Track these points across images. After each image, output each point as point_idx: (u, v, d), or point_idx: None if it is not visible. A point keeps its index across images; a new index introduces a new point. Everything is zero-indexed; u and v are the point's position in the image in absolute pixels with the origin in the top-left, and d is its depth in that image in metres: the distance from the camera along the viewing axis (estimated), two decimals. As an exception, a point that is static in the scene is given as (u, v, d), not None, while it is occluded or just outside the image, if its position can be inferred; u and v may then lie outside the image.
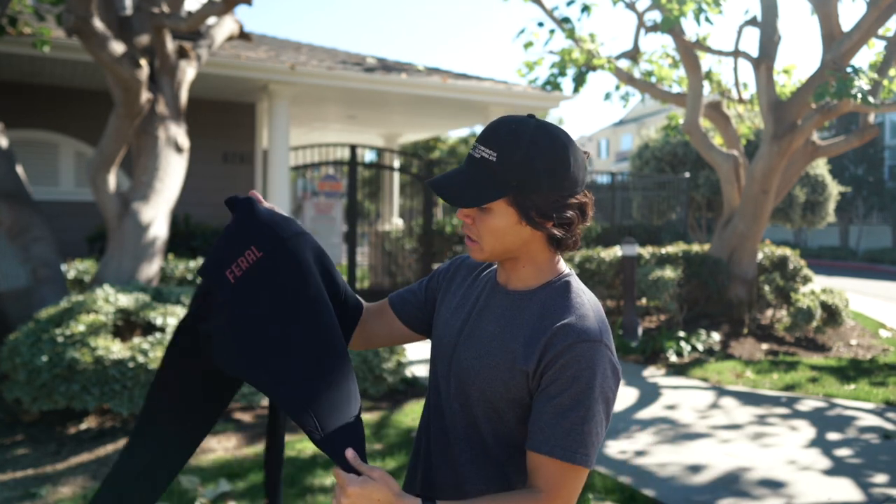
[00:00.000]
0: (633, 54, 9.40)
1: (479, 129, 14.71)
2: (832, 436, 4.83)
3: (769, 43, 8.38)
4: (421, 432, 1.38)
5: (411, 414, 5.06)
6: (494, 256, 1.26)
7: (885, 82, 7.87)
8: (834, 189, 16.29)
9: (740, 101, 9.81)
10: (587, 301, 1.25)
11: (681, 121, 10.33)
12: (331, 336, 1.28)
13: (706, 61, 10.02)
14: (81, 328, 4.45)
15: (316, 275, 1.32)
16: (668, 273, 7.81)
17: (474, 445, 1.26)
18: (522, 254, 1.26)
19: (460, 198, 1.21)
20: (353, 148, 10.33)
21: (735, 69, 9.53)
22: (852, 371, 6.77)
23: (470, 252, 1.29)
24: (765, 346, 7.74)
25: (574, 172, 1.20)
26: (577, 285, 1.28)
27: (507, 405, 1.22)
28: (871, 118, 8.58)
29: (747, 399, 5.79)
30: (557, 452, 1.14)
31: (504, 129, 1.20)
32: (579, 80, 9.09)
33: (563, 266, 1.29)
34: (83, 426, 4.57)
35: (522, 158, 1.17)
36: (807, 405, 5.64)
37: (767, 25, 8.43)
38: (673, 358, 7.12)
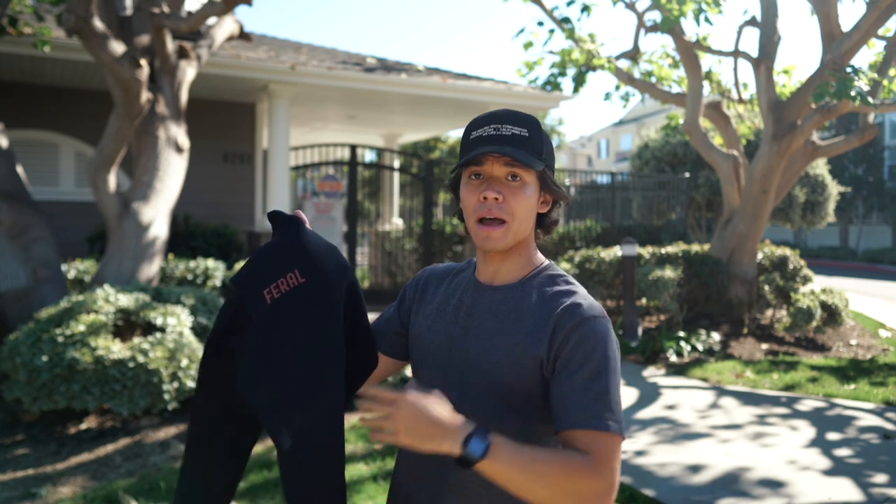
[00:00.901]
0: (633, 54, 9.40)
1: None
2: (832, 436, 4.83)
3: (769, 43, 8.38)
4: (404, 458, 1.34)
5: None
6: (513, 242, 1.26)
7: (885, 82, 7.87)
8: (834, 189, 16.29)
9: (740, 101, 9.82)
10: (577, 283, 1.30)
11: (681, 121, 10.33)
12: (337, 386, 1.23)
13: (706, 61, 10.03)
14: (81, 328, 4.45)
15: (341, 319, 1.27)
16: (668, 273, 7.81)
17: None
18: (522, 241, 1.29)
19: (526, 160, 1.21)
20: (353, 148, 10.33)
21: (735, 69, 9.53)
22: (852, 371, 6.77)
23: (488, 239, 1.24)
24: (765, 346, 7.74)
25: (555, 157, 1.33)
26: (561, 270, 1.33)
27: (517, 399, 1.22)
28: (871, 118, 8.58)
29: (747, 399, 5.79)
30: (592, 423, 1.13)
31: (517, 113, 1.27)
32: (579, 81, 9.10)
33: (543, 257, 1.35)
34: (83, 426, 4.57)
35: (545, 137, 1.27)
36: (807, 405, 5.64)
37: (767, 25, 8.43)
38: (673, 358, 7.13)
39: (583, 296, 1.25)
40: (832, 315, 8.10)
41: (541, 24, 9.09)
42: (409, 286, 1.44)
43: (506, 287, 1.29)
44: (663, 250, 8.72)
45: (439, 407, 1.10)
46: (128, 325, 4.85)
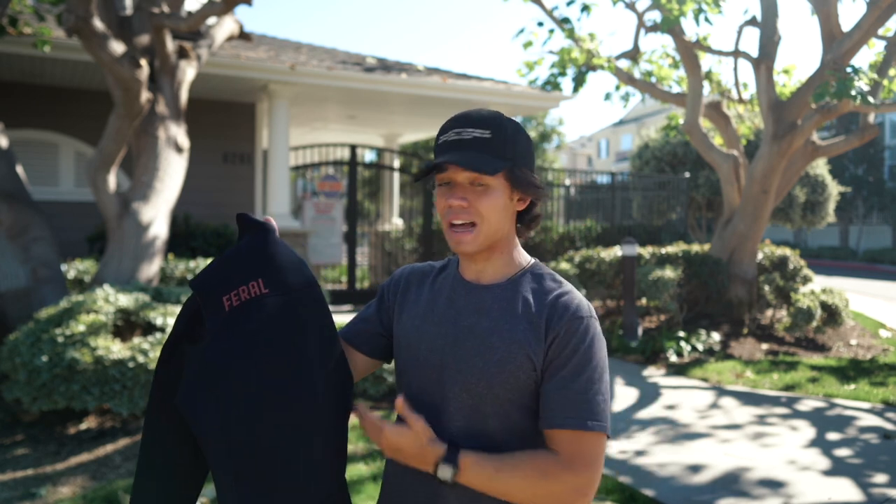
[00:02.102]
0: (633, 54, 9.40)
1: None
2: (832, 436, 4.83)
3: (769, 43, 8.38)
4: (394, 466, 1.33)
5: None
6: (486, 243, 1.26)
7: (885, 82, 7.87)
8: (834, 189, 16.28)
9: (740, 101, 9.81)
10: (565, 281, 1.30)
11: (681, 121, 10.33)
12: (305, 406, 1.17)
13: (706, 61, 10.03)
14: (81, 328, 4.45)
15: (313, 336, 1.21)
16: (668, 273, 7.81)
17: (482, 445, 1.23)
18: (500, 240, 1.28)
19: (480, 166, 1.19)
20: (353, 148, 10.33)
21: (735, 69, 9.53)
22: (852, 371, 6.77)
23: (460, 244, 1.25)
24: (765, 346, 7.74)
25: (534, 152, 1.30)
26: (548, 268, 1.34)
27: (515, 395, 1.22)
28: (871, 118, 8.58)
29: (747, 399, 5.79)
30: (571, 423, 1.17)
31: (482, 113, 1.26)
32: (579, 80, 9.10)
33: (528, 256, 1.35)
34: (83, 426, 4.57)
35: (512, 133, 1.25)
36: (807, 405, 5.63)
37: (767, 25, 8.43)
38: (673, 358, 7.12)
39: (573, 295, 1.26)
40: (832, 315, 8.10)
41: (541, 24, 9.09)
42: (387, 287, 1.42)
43: (495, 286, 1.29)
44: (663, 250, 8.71)
45: (411, 438, 1.18)
46: (128, 325, 4.85)
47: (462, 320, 1.28)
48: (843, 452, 4.48)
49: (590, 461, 1.17)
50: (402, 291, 1.39)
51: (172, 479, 1.25)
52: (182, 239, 8.06)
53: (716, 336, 7.70)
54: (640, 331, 7.80)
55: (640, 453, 4.45)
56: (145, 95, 5.63)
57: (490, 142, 1.23)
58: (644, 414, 5.35)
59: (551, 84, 9.31)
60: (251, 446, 1.14)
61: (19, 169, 5.68)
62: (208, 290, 1.19)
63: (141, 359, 4.35)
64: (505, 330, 1.24)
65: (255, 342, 1.17)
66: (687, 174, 14.07)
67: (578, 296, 1.27)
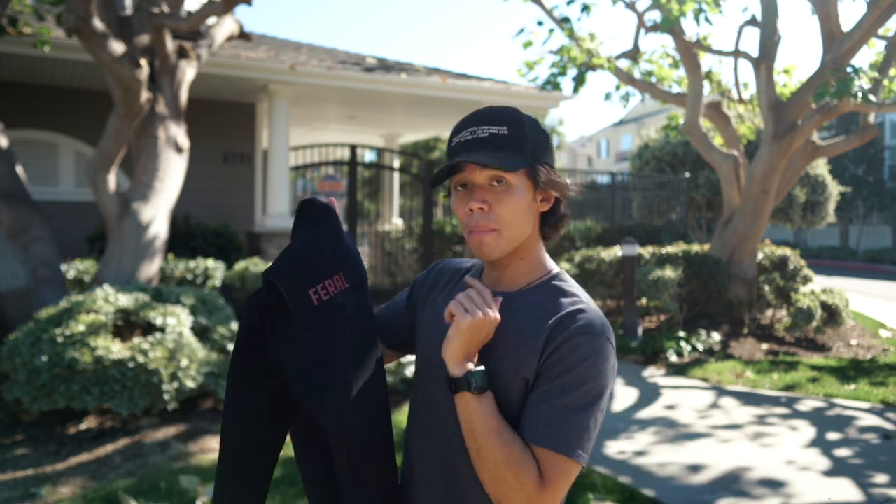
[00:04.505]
0: (633, 54, 9.40)
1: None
2: (832, 436, 4.83)
3: (769, 43, 8.38)
4: (413, 457, 1.29)
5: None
6: (510, 248, 1.19)
7: (886, 82, 7.87)
8: (834, 189, 16.29)
9: (740, 101, 9.81)
10: (584, 296, 1.21)
11: (681, 121, 10.33)
12: (380, 390, 1.22)
13: (706, 61, 10.05)
14: (81, 328, 4.45)
15: (375, 328, 1.26)
16: (669, 273, 7.81)
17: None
18: (523, 245, 1.22)
19: (500, 162, 1.13)
20: (353, 148, 10.33)
21: (735, 69, 9.53)
22: (852, 371, 6.77)
23: (484, 246, 1.18)
24: (765, 346, 7.73)
25: (553, 149, 1.25)
26: (570, 281, 1.25)
27: (515, 404, 1.16)
28: (872, 118, 8.58)
29: (747, 399, 5.79)
30: (549, 443, 1.09)
31: (497, 110, 1.21)
32: (579, 80, 9.10)
33: (553, 263, 1.27)
34: (83, 426, 4.57)
35: (530, 129, 1.20)
36: (807, 405, 5.63)
37: (767, 25, 8.43)
38: (673, 358, 7.12)
39: (589, 311, 1.16)
40: (832, 315, 8.10)
41: (540, 23, 9.09)
42: (420, 280, 1.39)
43: (506, 295, 1.21)
44: (663, 250, 8.71)
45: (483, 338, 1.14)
46: (127, 325, 4.85)
47: None
48: (843, 452, 4.48)
49: (558, 489, 1.09)
50: (430, 287, 1.36)
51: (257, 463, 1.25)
52: (182, 239, 8.06)
53: (716, 336, 7.70)
54: (640, 331, 7.80)
55: (640, 453, 4.45)
56: (145, 95, 5.63)
57: (508, 138, 1.17)
58: (644, 414, 5.35)
59: (551, 84, 9.31)
60: (358, 434, 1.17)
61: (19, 169, 5.68)
62: (293, 283, 1.17)
63: (141, 359, 4.35)
64: (499, 343, 1.17)
65: (351, 332, 1.20)
66: (687, 174, 14.08)
67: (595, 313, 1.16)
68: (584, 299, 1.20)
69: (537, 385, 1.13)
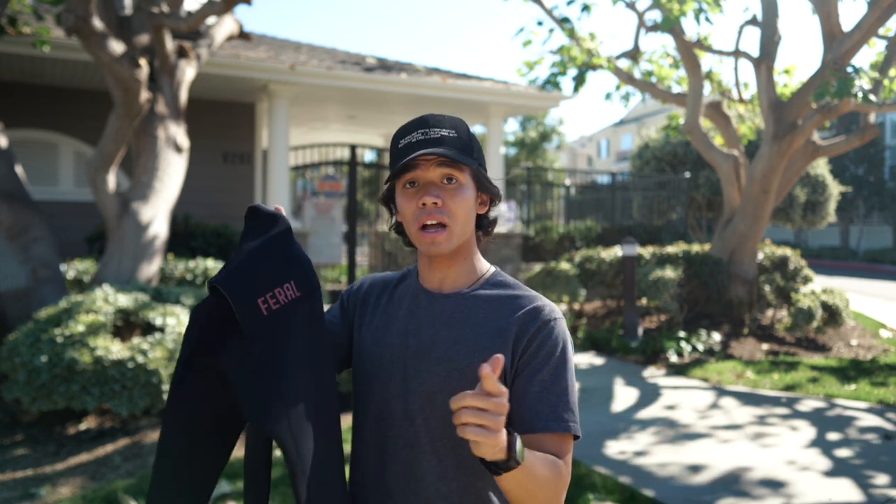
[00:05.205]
0: (634, 54, 9.39)
1: (479, 128, 14.70)
2: (832, 436, 4.83)
3: (769, 43, 8.38)
4: (365, 464, 1.29)
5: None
6: (458, 243, 1.24)
7: (886, 82, 7.86)
8: (834, 189, 16.28)
9: (741, 101, 9.81)
10: (527, 287, 1.31)
11: (681, 121, 10.32)
12: (332, 403, 1.16)
13: (706, 61, 10.05)
14: (81, 328, 4.44)
15: (327, 339, 1.21)
16: (669, 273, 7.80)
17: (442, 459, 1.22)
18: (465, 244, 1.27)
19: (460, 158, 1.20)
20: (353, 148, 10.32)
21: (735, 69, 9.52)
22: (853, 371, 6.76)
23: (433, 244, 1.21)
24: (765, 347, 7.73)
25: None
26: (507, 275, 1.34)
27: None
28: (872, 118, 8.58)
29: (747, 399, 5.78)
30: (560, 426, 1.17)
31: (442, 116, 1.26)
32: (579, 80, 9.09)
33: (486, 262, 1.35)
34: (82, 426, 4.57)
35: (472, 136, 1.27)
36: (807, 405, 5.63)
37: (768, 25, 8.42)
38: (673, 358, 7.12)
39: (536, 297, 1.26)
40: (833, 315, 8.10)
41: (540, 23, 9.08)
42: (348, 296, 1.39)
43: (457, 295, 1.27)
44: (664, 250, 8.71)
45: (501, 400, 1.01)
46: (127, 325, 4.85)
47: (424, 330, 1.25)
48: (843, 453, 4.48)
49: (569, 462, 1.18)
50: (362, 302, 1.36)
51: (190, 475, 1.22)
52: (182, 239, 8.06)
53: (716, 336, 7.69)
54: (640, 331, 7.80)
55: (640, 453, 4.44)
56: (145, 95, 5.63)
57: (458, 140, 1.23)
58: (644, 414, 5.35)
59: (551, 83, 9.30)
60: (309, 444, 1.12)
61: (19, 169, 5.67)
62: (240, 291, 1.11)
63: (140, 359, 4.35)
64: (468, 338, 1.22)
65: (302, 344, 1.14)
66: (687, 174, 14.07)
67: (544, 300, 1.27)
68: (528, 290, 1.29)
69: (524, 373, 1.19)
